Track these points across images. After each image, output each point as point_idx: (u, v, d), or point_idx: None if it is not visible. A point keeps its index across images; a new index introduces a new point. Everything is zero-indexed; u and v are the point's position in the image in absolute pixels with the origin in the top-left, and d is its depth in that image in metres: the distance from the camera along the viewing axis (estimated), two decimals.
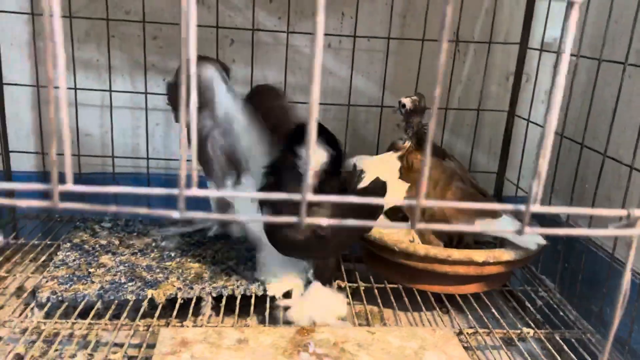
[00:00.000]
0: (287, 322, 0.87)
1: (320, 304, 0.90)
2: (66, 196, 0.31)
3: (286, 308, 0.90)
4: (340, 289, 0.98)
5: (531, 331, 0.89)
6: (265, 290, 0.93)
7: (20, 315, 0.87)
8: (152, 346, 0.79)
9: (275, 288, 0.92)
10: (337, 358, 0.73)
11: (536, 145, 0.35)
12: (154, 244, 1.08)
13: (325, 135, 0.81)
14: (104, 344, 0.82)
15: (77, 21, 1.18)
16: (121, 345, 0.80)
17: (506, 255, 0.93)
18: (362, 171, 1.04)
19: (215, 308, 0.91)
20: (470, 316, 0.93)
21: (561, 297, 1.00)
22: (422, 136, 1.08)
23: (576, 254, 1.01)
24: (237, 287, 0.93)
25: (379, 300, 0.97)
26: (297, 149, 0.79)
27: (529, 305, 0.99)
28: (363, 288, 1.00)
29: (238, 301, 0.92)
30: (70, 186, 0.30)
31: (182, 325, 0.85)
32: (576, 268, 0.99)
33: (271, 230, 0.84)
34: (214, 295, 0.92)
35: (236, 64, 1.27)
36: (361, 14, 1.22)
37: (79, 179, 1.25)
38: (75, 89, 1.19)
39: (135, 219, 1.19)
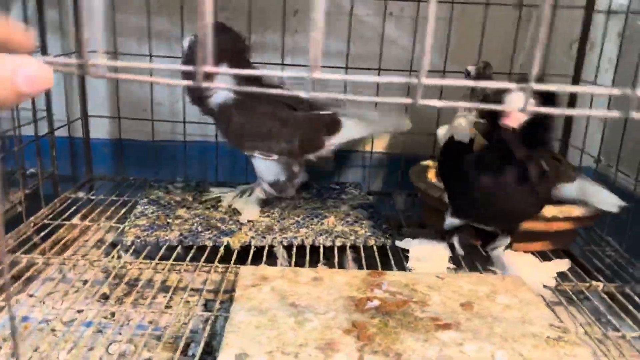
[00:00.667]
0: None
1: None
2: None
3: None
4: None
5: (600, 284, 0.89)
6: (333, 241, 0.96)
7: (107, 256, 0.93)
8: (231, 285, 0.84)
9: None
10: (409, 296, 0.76)
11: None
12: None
13: None
14: (184, 287, 0.87)
15: None
16: (201, 285, 0.85)
17: (576, 211, 0.93)
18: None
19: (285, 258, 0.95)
20: None
21: (629, 256, 0.99)
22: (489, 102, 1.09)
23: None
24: (306, 237, 0.97)
25: None
26: None
27: (596, 261, 0.98)
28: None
29: (308, 250, 0.95)
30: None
31: None
32: None
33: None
34: (285, 244, 0.96)
35: (298, 33, 1.31)
36: None
37: (151, 145, 1.32)
38: (150, 55, 1.25)
39: (205, 181, 1.24)
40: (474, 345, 0.64)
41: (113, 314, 0.84)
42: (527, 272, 0.88)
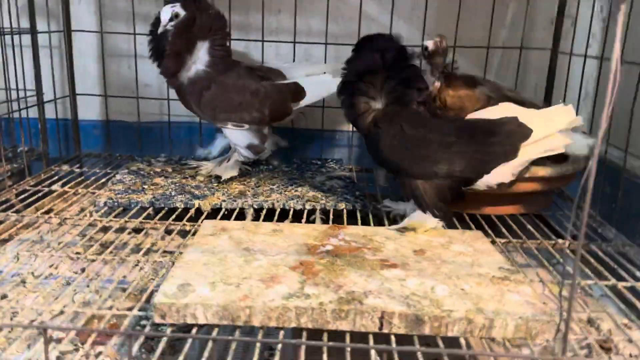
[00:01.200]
0: None
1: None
2: None
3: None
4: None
5: (567, 242, 0.88)
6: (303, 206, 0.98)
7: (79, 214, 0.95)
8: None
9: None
10: (363, 244, 0.77)
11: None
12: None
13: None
14: (153, 245, 0.89)
15: None
16: (167, 242, 0.87)
17: (542, 170, 0.93)
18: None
19: (256, 220, 0.97)
20: (506, 233, 0.93)
21: (602, 220, 0.98)
22: (449, 74, 1.09)
23: (613, 183, 0.99)
24: (277, 201, 0.99)
25: None
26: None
27: (567, 224, 0.98)
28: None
29: (277, 213, 0.97)
30: None
31: None
32: (614, 194, 0.97)
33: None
34: (255, 207, 0.98)
35: (282, 13, 1.34)
36: None
37: (138, 127, 1.36)
38: (135, 34, 1.28)
39: (188, 156, 1.27)
40: (416, 280, 0.65)
41: (83, 269, 0.87)
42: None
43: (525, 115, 0.86)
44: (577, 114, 0.87)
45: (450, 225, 0.88)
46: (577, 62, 1.17)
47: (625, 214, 0.96)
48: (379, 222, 0.98)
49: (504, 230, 0.93)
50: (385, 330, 0.58)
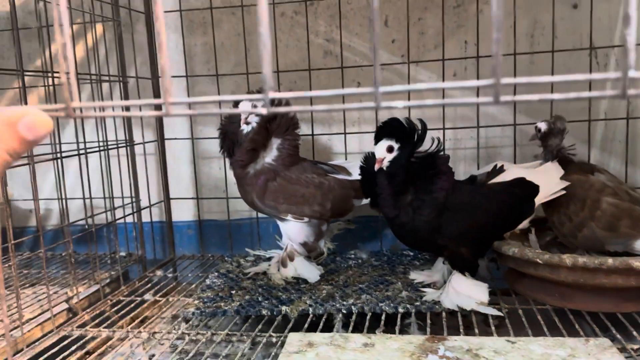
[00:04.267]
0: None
1: (462, 290, 0.90)
2: None
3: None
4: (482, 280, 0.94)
5: None
6: (396, 309, 0.90)
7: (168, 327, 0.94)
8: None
9: (416, 275, 1.03)
10: None
11: None
12: None
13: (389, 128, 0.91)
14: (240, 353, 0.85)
15: None
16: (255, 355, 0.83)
17: None
18: (501, 167, 1.00)
19: (346, 326, 0.90)
20: (637, 335, 0.79)
21: None
22: (563, 158, 1.01)
23: None
24: (367, 304, 0.92)
25: (526, 325, 0.87)
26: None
27: None
28: (506, 311, 0.91)
29: (368, 318, 0.90)
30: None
31: None
32: None
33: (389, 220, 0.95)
34: (344, 311, 0.92)
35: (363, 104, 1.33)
36: (481, 38, 1.21)
37: (228, 225, 1.37)
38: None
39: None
40: None
41: None
42: (465, 289, 0.91)
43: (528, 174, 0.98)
44: None
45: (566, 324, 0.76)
46: None
47: None
48: (484, 322, 0.88)
49: (634, 332, 0.79)
50: None
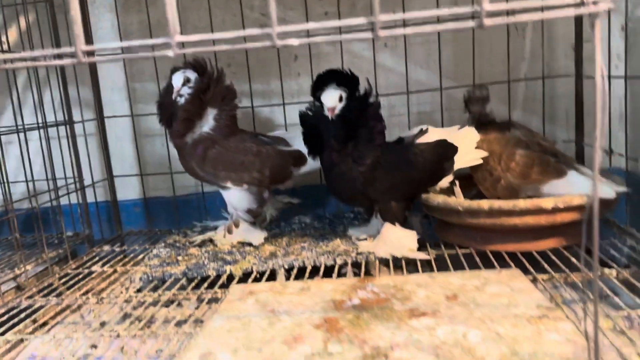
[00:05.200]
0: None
1: (393, 239, 0.98)
2: None
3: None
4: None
5: (614, 272, 0.82)
6: (335, 261, 0.96)
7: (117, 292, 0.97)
8: None
9: (354, 231, 1.10)
10: (392, 294, 0.74)
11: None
12: None
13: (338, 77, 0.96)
14: (188, 317, 0.89)
15: None
16: (201, 312, 0.87)
17: (577, 199, 0.89)
18: (426, 130, 1.07)
19: (287, 279, 0.96)
20: (549, 269, 0.88)
21: None
22: (485, 121, 1.09)
23: None
24: (307, 259, 0.98)
25: (451, 268, 0.94)
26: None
27: (614, 253, 0.91)
28: (434, 256, 0.99)
29: (308, 270, 0.96)
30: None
31: None
32: None
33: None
34: (286, 267, 0.97)
35: (301, 76, 1.38)
36: (410, 7, 1.27)
37: (174, 201, 1.40)
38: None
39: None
40: (447, 328, 0.62)
41: (122, 348, 0.87)
42: (395, 237, 1.00)
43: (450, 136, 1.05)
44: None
45: (487, 265, 0.84)
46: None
47: None
48: (413, 267, 0.95)
49: (546, 266, 0.88)
50: None
